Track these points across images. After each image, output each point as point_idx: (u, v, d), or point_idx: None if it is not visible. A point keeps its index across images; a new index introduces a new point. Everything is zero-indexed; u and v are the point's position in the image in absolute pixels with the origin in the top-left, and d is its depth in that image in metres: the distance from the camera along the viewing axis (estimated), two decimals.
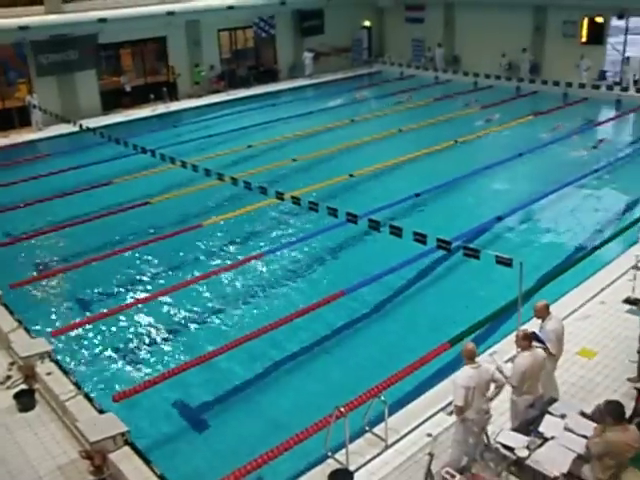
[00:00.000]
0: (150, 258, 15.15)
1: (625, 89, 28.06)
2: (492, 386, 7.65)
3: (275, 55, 35.30)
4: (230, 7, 31.16)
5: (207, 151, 22.76)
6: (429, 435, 8.55)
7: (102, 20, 27.20)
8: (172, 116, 28.96)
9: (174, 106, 30.05)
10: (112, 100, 29.37)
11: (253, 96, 31.74)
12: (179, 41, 30.99)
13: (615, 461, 6.58)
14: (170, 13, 29.34)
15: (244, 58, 34.46)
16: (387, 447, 8.56)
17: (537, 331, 8.48)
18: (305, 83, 34.16)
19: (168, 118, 28.64)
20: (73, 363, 11.34)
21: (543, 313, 8.59)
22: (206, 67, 31.92)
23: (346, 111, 28.54)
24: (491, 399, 7.68)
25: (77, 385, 9.87)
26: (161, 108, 29.59)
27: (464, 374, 7.46)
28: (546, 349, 8.35)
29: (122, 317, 12.72)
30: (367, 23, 38.45)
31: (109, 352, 11.76)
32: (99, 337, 12.18)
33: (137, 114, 28.77)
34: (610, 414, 6.68)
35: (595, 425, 7.04)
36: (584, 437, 7.01)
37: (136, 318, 12.77)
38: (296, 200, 13.60)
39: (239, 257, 15.07)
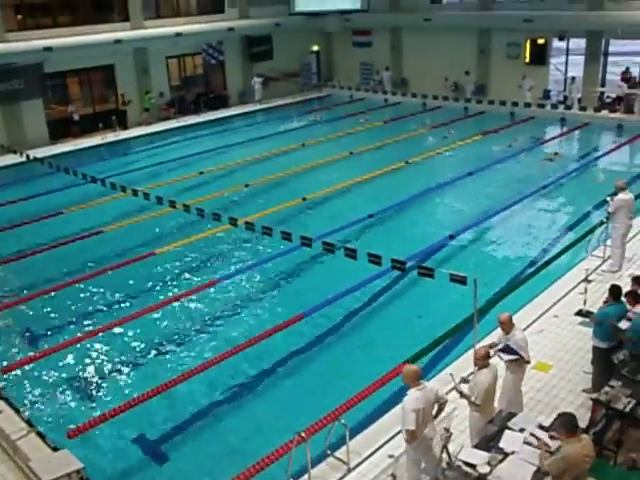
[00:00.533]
0: (103, 289, 14.84)
1: (569, 107, 28.89)
2: (435, 405, 7.61)
3: (224, 81, 35.32)
4: (178, 34, 31.10)
5: (158, 179, 22.56)
6: (391, 456, 8.47)
7: (48, 49, 26.77)
8: (122, 144, 28.59)
9: (124, 134, 29.68)
10: (60, 129, 28.89)
11: (203, 122, 31.61)
12: (127, 69, 30.78)
13: (573, 476, 6.62)
14: (117, 41, 29.11)
15: (193, 84, 34.36)
16: (349, 470, 8.51)
17: (509, 344, 8.59)
18: (255, 108, 34.24)
19: (118, 146, 28.28)
20: (25, 400, 10.97)
21: (509, 325, 8.70)
22: (155, 94, 31.75)
23: (297, 135, 28.67)
24: (435, 417, 7.64)
25: (29, 423, 9.54)
26: (110, 136, 29.19)
27: (411, 397, 7.34)
28: (522, 358, 8.54)
29: (75, 350, 12.37)
30: (315, 48, 38.86)
31: (62, 387, 11.42)
32: (51, 372, 11.82)
33: (86, 143, 28.31)
34: (564, 426, 6.74)
35: (540, 441, 7.12)
36: None
37: (90, 351, 12.45)
38: (250, 225, 13.59)
39: (194, 285, 14.89)
